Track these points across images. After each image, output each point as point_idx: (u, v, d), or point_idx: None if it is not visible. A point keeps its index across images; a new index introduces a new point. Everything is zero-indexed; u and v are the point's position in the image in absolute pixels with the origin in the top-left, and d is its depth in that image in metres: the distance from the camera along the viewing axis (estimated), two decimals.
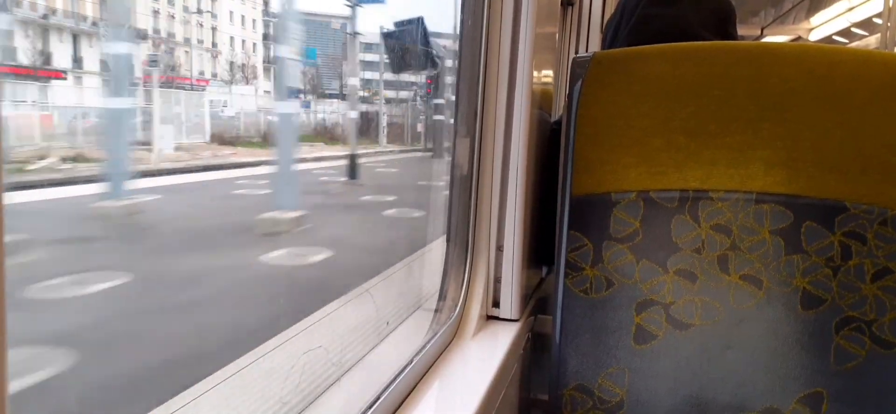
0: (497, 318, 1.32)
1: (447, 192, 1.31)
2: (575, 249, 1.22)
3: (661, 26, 1.41)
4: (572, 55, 2.58)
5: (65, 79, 12.65)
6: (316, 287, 5.07)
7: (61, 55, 12.26)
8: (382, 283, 3.83)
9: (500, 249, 1.31)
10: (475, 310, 1.27)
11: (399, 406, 0.95)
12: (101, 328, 3.59)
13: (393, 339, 1.47)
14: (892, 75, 1.11)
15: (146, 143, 8.51)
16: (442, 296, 1.28)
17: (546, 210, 1.37)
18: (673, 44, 1.26)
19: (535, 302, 1.52)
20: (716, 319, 1.17)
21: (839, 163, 1.12)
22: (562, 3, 2.03)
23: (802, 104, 1.14)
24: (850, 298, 1.12)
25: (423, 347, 1.10)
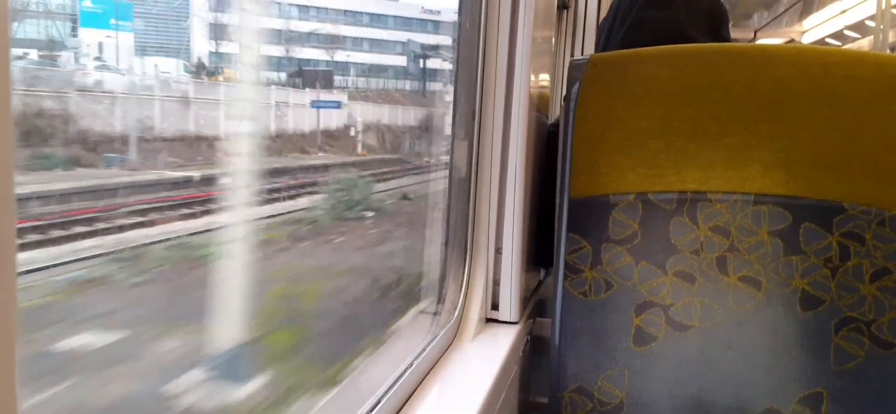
0: (496, 320, 1.32)
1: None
2: (574, 251, 1.23)
3: (655, 29, 1.42)
4: (568, 58, 2.59)
5: None
6: None
7: None
8: None
9: (498, 251, 1.31)
10: (474, 312, 1.26)
11: (400, 409, 0.95)
12: None
13: None
14: (887, 76, 1.12)
15: None
16: (441, 298, 1.28)
17: (544, 212, 1.37)
18: (670, 46, 1.26)
19: (534, 304, 1.52)
20: (715, 320, 1.17)
21: (836, 164, 1.13)
22: (557, 7, 2.03)
23: (799, 105, 1.14)
24: (849, 298, 1.13)
25: (424, 349, 1.09)
